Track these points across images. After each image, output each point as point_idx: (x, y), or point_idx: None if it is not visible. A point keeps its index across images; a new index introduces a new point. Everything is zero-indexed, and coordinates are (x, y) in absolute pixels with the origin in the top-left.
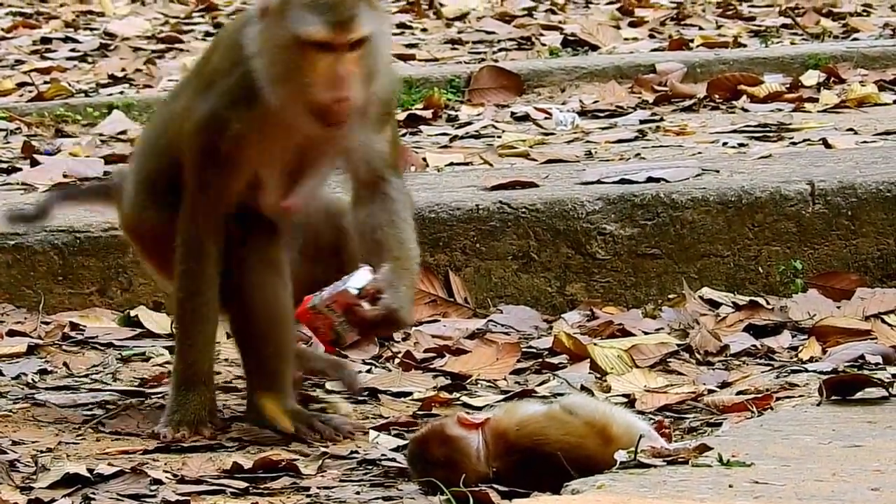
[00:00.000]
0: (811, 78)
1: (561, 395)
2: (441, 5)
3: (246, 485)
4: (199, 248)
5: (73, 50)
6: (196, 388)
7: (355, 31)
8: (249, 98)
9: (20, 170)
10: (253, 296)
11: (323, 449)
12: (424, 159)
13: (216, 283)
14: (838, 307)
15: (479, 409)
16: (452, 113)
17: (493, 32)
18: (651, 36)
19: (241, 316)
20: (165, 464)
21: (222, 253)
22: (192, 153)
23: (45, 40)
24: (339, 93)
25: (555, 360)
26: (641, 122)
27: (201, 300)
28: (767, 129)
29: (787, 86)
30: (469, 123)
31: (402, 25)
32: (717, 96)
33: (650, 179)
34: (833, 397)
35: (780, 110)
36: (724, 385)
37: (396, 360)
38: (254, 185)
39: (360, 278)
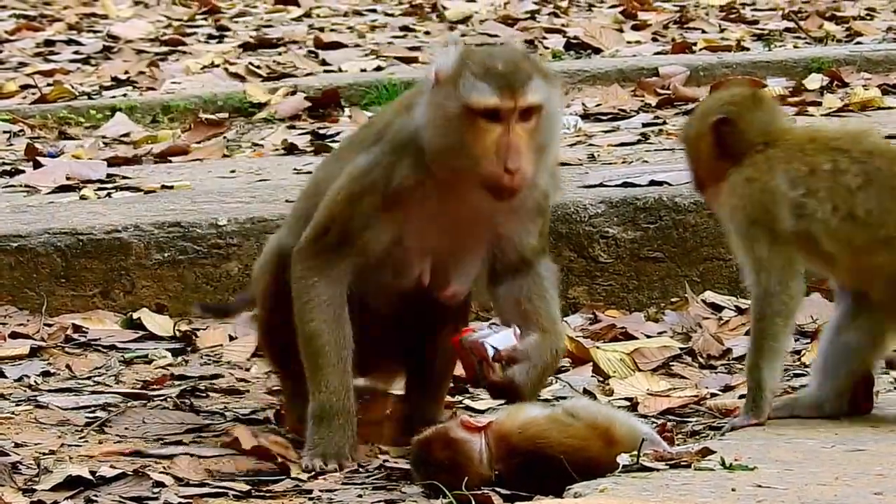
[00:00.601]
0: (814, 82)
1: (564, 398)
2: (444, 8)
3: (248, 487)
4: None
5: (76, 52)
6: (335, 420)
7: (525, 98)
8: (415, 161)
9: (23, 172)
10: None
11: None
12: None
13: (340, 310)
14: None
15: (482, 412)
16: None
17: (495, 35)
18: (654, 39)
19: None
20: (167, 466)
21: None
22: (340, 198)
23: (49, 43)
24: (510, 164)
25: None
26: (644, 125)
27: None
28: None
29: (791, 89)
30: None
31: (405, 28)
32: None
33: (653, 183)
34: None
35: None
36: (727, 389)
37: None
38: (400, 261)
39: (504, 339)
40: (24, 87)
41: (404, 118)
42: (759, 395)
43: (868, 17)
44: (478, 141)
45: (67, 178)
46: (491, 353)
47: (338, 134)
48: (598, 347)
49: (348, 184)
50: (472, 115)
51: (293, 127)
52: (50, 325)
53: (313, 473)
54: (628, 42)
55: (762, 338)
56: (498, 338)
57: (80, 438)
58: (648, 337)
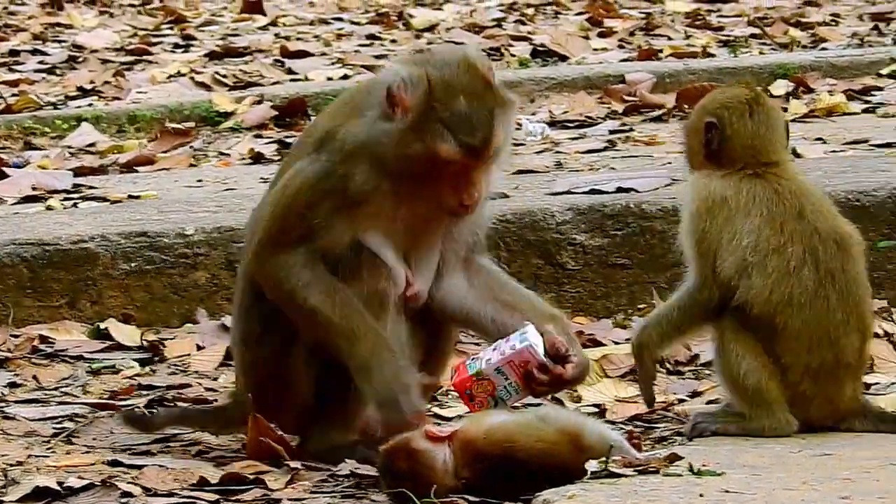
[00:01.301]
0: (780, 88)
1: (532, 405)
2: (411, 17)
3: (216, 497)
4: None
5: (41, 62)
6: (385, 361)
7: (490, 151)
8: (370, 168)
9: None
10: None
11: (293, 464)
12: None
13: (329, 278)
14: None
15: (451, 419)
16: None
17: (462, 43)
18: (620, 46)
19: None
20: (135, 477)
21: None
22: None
23: (14, 52)
24: (467, 200)
25: None
26: (611, 132)
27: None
28: None
29: None
30: None
31: (371, 37)
32: (686, 106)
33: (620, 189)
34: None
35: None
36: (695, 394)
37: None
38: (369, 262)
39: (535, 337)
40: None
41: (352, 124)
42: (641, 354)
43: (833, 23)
44: (438, 178)
45: (33, 189)
46: (541, 352)
47: None
48: None
49: (305, 190)
50: (436, 160)
51: (260, 136)
52: (16, 336)
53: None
54: (595, 49)
55: (669, 307)
56: (530, 340)
57: (48, 449)
58: (616, 343)
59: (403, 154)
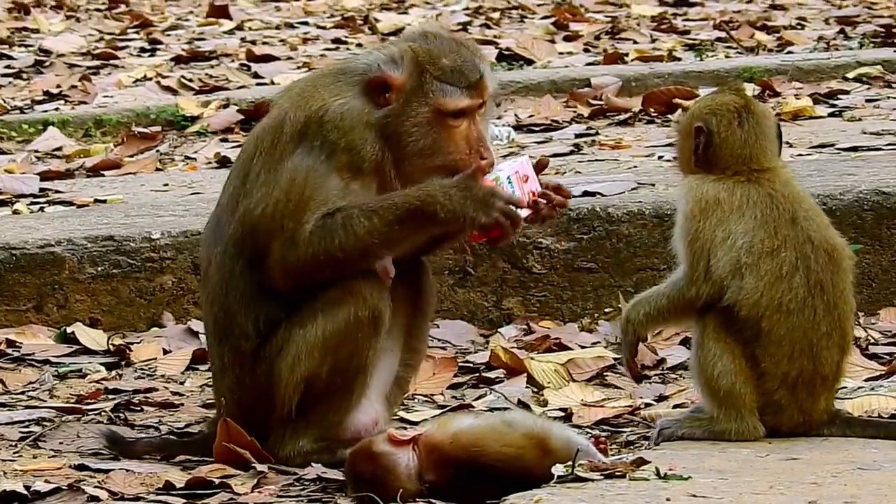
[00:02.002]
0: (746, 91)
1: (498, 409)
2: (376, 20)
3: (183, 501)
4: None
5: (7, 66)
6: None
7: (487, 92)
8: (375, 140)
9: None
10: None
11: (260, 468)
12: None
13: None
14: None
15: (416, 423)
16: None
17: None
18: (586, 50)
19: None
20: (102, 481)
21: None
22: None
23: None
24: (485, 153)
25: (492, 375)
26: (577, 136)
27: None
28: None
29: None
30: None
31: (337, 41)
32: (652, 110)
33: (586, 193)
34: None
35: None
36: (661, 398)
37: None
38: None
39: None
40: None
41: (338, 104)
42: (626, 328)
43: (799, 27)
44: (450, 139)
45: (0, 193)
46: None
47: None
48: (532, 358)
49: (314, 180)
50: (443, 117)
51: (226, 140)
52: None
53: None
54: (560, 53)
55: (660, 292)
56: (523, 156)
57: (15, 453)
58: (583, 347)
59: (410, 125)
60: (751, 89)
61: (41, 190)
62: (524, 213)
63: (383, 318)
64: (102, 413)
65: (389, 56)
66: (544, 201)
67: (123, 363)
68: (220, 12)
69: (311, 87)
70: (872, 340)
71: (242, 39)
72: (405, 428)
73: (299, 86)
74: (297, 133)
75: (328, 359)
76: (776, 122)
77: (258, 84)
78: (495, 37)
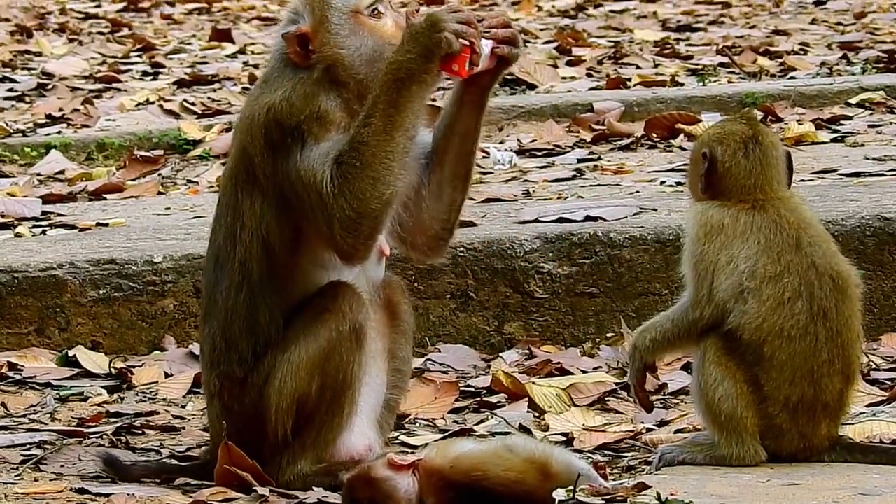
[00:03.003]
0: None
1: (499, 433)
2: None
3: None
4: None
5: (10, 90)
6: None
7: None
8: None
9: None
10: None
11: (261, 491)
12: None
13: None
14: None
15: (417, 447)
16: None
17: None
18: (589, 75)
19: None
20: None
21: None
22: None
23: None
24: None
25: (493, 399)
26: (579, 160)
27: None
28: None
29: None
30: None
31: None
32: (654, 135)
33: (588, 218)
34: None
35: None
36: (663, 423)
37: None
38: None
39: None
40: None
41: (280, 92)
42: (633, 354)
43: (802, 52)
44: (383, 34)
45: (2, 216)
46: None
47: None
48: (533, 383)
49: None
50: (363, 18)
51: None
52: None
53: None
54: (563, 78)
55: (666, 317)
56: None
57: (16, 476)
58: (584, 372)
59: (347, 44)
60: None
61: (43, 213)
62: (486, 48)
63: (365, 330)
64: (104, 436)
65: (288, 19)
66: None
67: (125, 386)
68: (223, 36)
69: (253, 102)
70: (874, 366)
71: (245, 63)
72: (406, 452)
73: (243, 111)
74: (263, 146)
75: (316, 377)
76: (786, 153)
77: None
78: None
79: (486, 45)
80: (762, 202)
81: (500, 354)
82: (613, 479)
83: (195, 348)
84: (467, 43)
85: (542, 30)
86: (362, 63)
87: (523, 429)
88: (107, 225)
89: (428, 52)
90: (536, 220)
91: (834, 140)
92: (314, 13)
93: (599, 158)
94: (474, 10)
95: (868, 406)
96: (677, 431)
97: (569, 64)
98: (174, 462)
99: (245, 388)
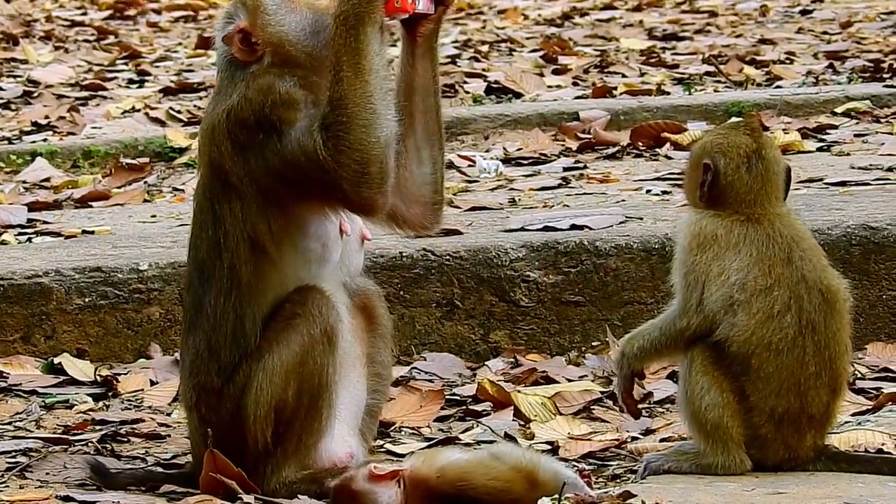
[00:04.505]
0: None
1: (485, 442)
2: None
3: None
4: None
5: None
6: None
7: None
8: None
9: None
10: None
11: (247, 499)
12: None
13: None
14: None
15: (403, 456)
16: None
17: None
18: (575, 83)
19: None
20: None
21: None
22: None
23: None
24: None
25: (479, 408)
26: (565, 169)
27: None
28: None
29: None
30: None
31: None
32: (640, 144)
33: (574, 227)
34: None
35: None
36: (648, 432)
37: None
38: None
39: None
40: None
41: (237, 94)
42: (621, 361)
43: (788, 62)
44: (319, 6)
45: None
46: None
47: None
48: (519, 391)
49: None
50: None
51: None
52: None
53: None
54: (549, 86)
55: (654, 325)
56: None
57: (1, 484)
58: (570, 381)
59: (288, 25)
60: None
61: (29, 221)
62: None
63: (336, 331)
64: (89, 444)
65: (224, 21)
66: None
67: (110, 394)
68: (209, 44)
69: (211, 112)
70: (860, 375)
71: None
72: (391, 461)
73: (203, 125)
74: (230, 148)
75: (291, 383)
76: (786, 167)
77: None
78: (484, 70)
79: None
80: (758, 216)
81: (486, 363)
82: (599, 488)
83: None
84: None
85: (528, 38)
86: (307, 35)
87: (509, 437)
88: (92, 233)
89: None
90: (522, 229)
91: (820, 149)
92: (247, 6)
93: (585, 167)
94: (459, 19)
95: (853, 415)
96: (663, 440)
97: (555, 72)
98: (160, 470)
99: (221, 398)
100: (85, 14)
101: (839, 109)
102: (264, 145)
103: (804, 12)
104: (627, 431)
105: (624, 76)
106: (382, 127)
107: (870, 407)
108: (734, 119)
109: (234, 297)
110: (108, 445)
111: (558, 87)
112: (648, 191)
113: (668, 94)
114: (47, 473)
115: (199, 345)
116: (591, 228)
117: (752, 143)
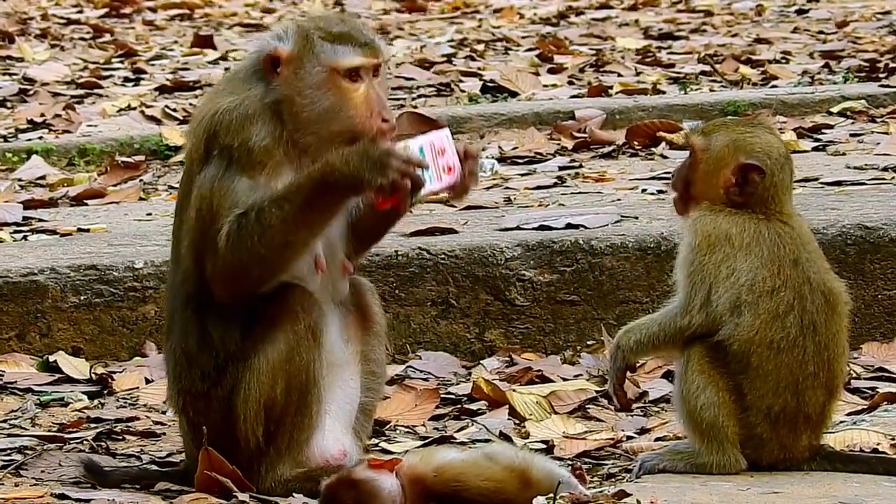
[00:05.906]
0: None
1: (480, 441)
2: None
3: None
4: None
5: None
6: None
7: (381, 54)
8: (270, 127)
9: None
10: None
11: (242, 497)
12: None
13: None
14: None
15: (397, 454)
16: None
17: (412, 79)
18: (570, 82)
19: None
20: None
21: None
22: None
23: None
24: (385, 114)
25: (474, 407)
26: (561, 168)
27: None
28: None
29: None
30: None
31: None
32: (636, 143)
33: (569, 226)
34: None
35: None
36: (643, 431)
37: None
38: None
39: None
40: None
41: (232, 102)
42: (616, 353)
43: (783, 61)
44: (348, 100)
45: None
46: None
47: None
48: (514, 390)
49: (219, 188)
50: (337, 78)
51: None
52: None
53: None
54: (545, 85)
55: (653, 320)
56: (444, 130)
57: None
58: (565, 380)
59: (305, 89)
60: None
61: (24, 218)
62: (437, 185)
63: (320, 327)
64: (84, 442)
65: (275, 34)
66: (457, 172)
67: (105, 392)
68: (205, 42)
69: (208, 101)
70: (855, 375)
71: (226, 69)
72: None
73: (198, 109)
74: (202, 153)
75: (279, 381)
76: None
77: None
78: (480, 69)
79: (434, 185)
80: (771, 215)
81: (481, 362)
82: (593, 487)
83: None
84: (407, 187)
85: (523, 37)
86: (311, 116)
87: (504, 436)
88: (88, 230)
89: (360, 177)
90: (518, 228)
91: (815, 149)
92: (295, 45)
93: (581, 166)
94: (455, 18)
95: (848, 415)
96: (658, 439)
97: (550, 71)
98: (154, 468)
99: (209, 401)
100: (81, 12)
101: (835, 109)
102: (214, 164)
103: (800, 12)
104: (622, 430)
105: (620, 75)
106: (276, 270)
107: (865, 407)
108: (731, 117)
109: (192, 306)
110: (103, 443)
111: (554, 86)
112: (644, 190)
113: (664, 93)
114: (42, 471)
115: (175, 350)
116: (586, 227)
117: (780, 142)
